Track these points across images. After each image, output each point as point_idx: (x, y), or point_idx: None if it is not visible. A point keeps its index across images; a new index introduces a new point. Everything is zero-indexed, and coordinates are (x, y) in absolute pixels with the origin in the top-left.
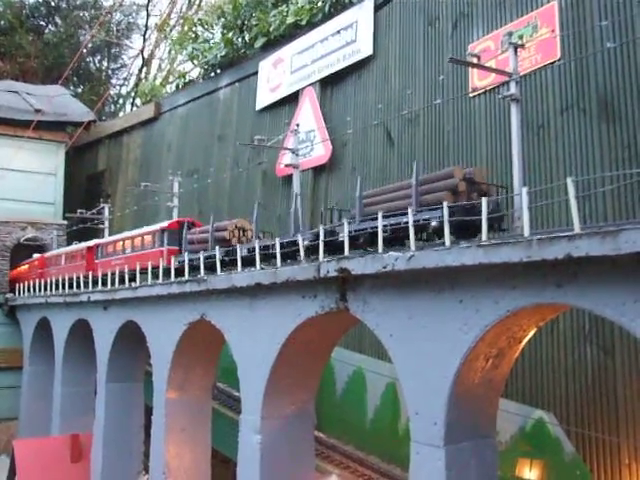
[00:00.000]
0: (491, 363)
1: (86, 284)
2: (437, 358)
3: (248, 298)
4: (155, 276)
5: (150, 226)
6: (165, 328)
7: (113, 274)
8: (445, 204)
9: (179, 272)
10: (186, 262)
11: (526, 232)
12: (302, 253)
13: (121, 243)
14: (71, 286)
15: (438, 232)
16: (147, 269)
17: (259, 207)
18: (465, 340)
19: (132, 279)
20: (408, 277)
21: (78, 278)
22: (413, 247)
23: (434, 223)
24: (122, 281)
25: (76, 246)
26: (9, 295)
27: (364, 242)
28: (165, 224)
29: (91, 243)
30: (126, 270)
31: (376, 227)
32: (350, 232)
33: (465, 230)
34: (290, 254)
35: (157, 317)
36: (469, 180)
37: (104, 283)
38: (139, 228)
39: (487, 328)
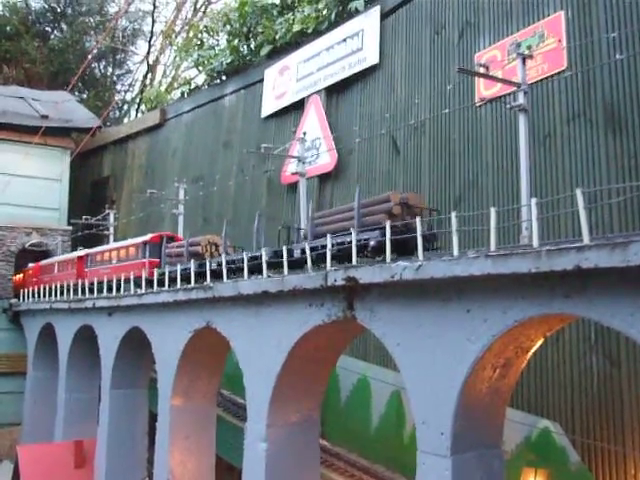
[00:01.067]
0: (498, 373)
1: (91, 290)
2: (444, 367)
3: (254, 306)
4: (137, 285)
5: (134, 239)
6: (170, 335)
7: (100, 283)
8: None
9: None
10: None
11: (535, 243)
12: (245, 271)
13: (108, 254)
14: (76, 292)
15: (377, 250)
16: (130, 279)
17: (227, 224)
18: (472, 350)
19: (110, 289)
20: (416, 287)
21: (74, 285)
22: (421, 257)
23: (372, 242)
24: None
25: (67, 255)
26: (13, 300)
27: (316, 258)
28: (147, 237)
29: (82, 253)
30: (105, 279)
31: (325, 245)
32: (303, 249)
33: (402, 248)
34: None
35: (162, 324)
36: (404, 204)
37: (91, 291)
38: (134, 237)
39: (494, 338)
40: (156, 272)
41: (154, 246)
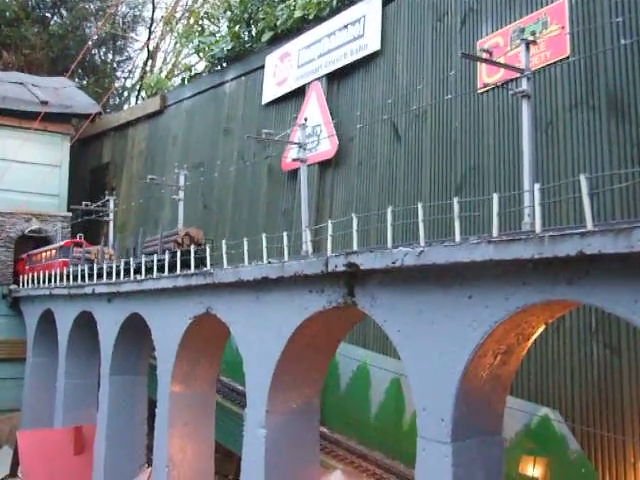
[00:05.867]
0: (499, 360)
1: (90, 276)
2: (445, 354)
3: (255, 292)
4: (61, 279)
5: (55, 244)
6: (170, 321)
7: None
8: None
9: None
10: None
11: (537, 229)
12: (104, 274)
13: (40, 255)
14: (75, 278)
15: (173, 266)
16: (54, 274)
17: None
18: (474, 336)
19: (44, 280)
20: (417, 273)
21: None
22: (423, 242)
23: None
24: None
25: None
26: (13, 286)
27: (146, 269)
28: (62, 243)
29: (24, 255)
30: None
31: (148, 261)
32: (139, 263)
33: (186, 264)
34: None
35: (162, 310)
36: (188, 235)
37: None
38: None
39: (496, 324)
40: (65, 270)
41: (66, 249)
